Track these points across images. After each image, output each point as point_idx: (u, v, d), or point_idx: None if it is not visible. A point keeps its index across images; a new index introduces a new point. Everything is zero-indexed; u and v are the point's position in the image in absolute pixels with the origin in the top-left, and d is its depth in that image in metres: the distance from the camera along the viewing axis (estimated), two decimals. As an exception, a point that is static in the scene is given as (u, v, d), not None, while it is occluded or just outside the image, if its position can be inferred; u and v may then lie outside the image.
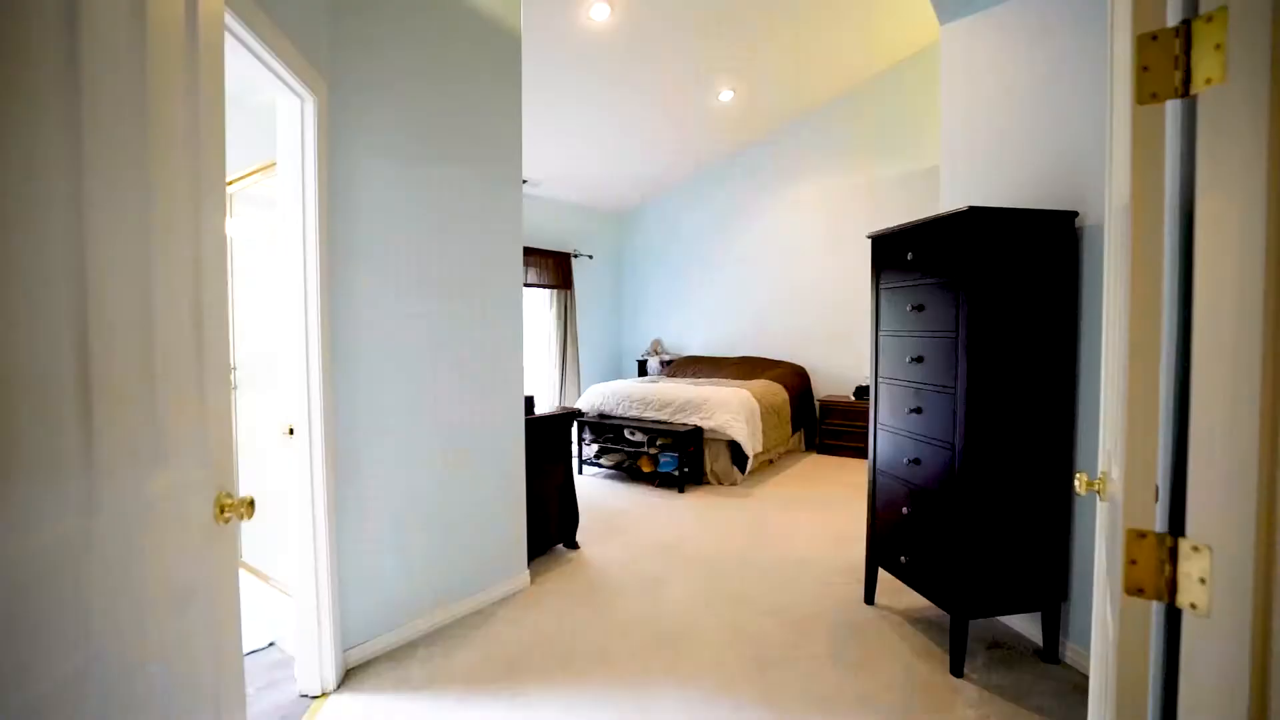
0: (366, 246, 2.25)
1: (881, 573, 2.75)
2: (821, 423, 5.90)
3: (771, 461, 5.44)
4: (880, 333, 2.59)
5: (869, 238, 2.66)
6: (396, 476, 2.38)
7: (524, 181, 6.22)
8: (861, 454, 5.65)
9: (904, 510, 2.41)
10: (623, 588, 2.94)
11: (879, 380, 2.61)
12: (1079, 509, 2.19)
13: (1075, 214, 2.12)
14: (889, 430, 2.53)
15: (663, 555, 3.35)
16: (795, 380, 5.96)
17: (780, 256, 6.59)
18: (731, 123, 6.06)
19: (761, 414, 4.99)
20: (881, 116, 5.84)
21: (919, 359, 2.31)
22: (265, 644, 2.40)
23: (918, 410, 2.32)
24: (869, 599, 2.73)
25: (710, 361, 6.71)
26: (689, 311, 7.39)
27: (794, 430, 5.70)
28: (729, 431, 4.58)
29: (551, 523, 3.31)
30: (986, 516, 2.11)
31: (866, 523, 2.71)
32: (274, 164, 2.10)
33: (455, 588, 2.63)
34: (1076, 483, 1.28)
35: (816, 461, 5.61)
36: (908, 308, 2.37)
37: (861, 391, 5.75)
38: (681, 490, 4.59)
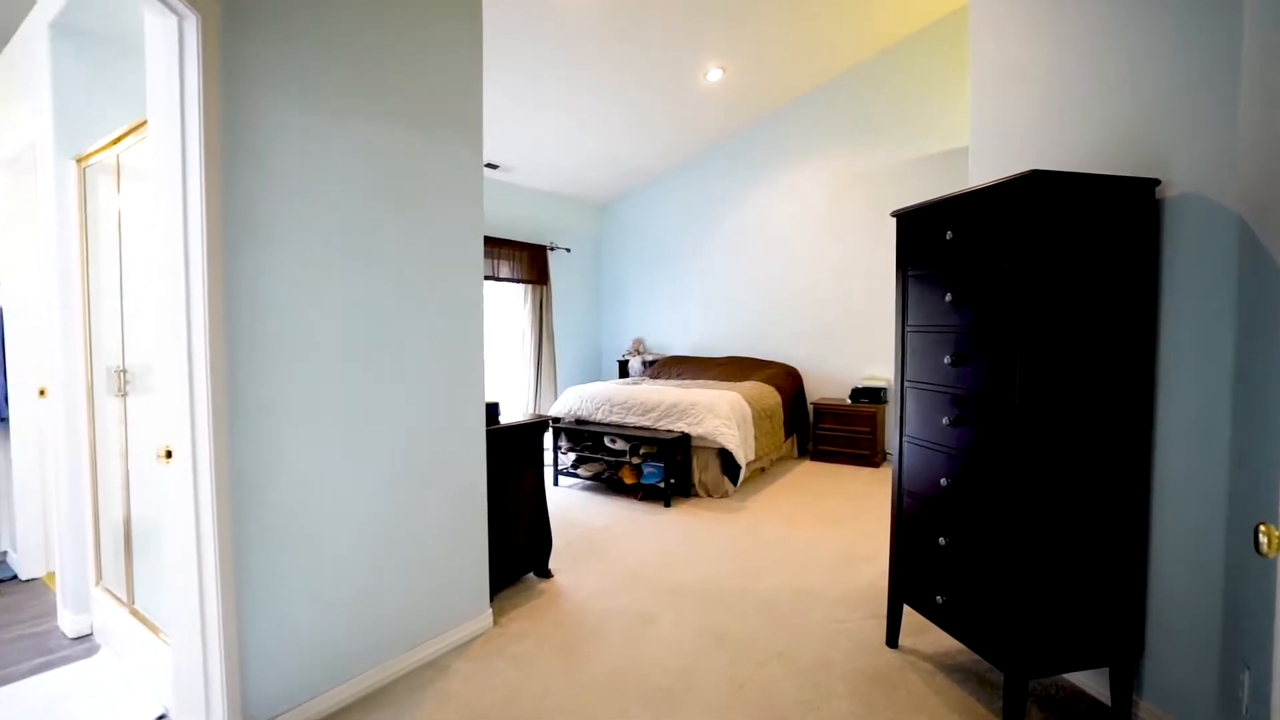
0: (281, 221, 1.78)
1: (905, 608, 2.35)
2: (816, 427, 5.52)
3: (763, 470, 5.04)
4: (908, 328, 2.19)
5: (894, 215, 2.26)
6: (323, 503, 1.92)
7: (494, 166, 5.76)
8: (859, 461, 5.28)
9: (940, 540, 2.01)
10: (602, 628, 2.51)
11: (906, 384, 2.21)
12: (1157, 547, 1.80)
13: (1157, 182, 1.74)
14: (920, 444, 2.12)
15: (649, 584, 2.92)
16: (788, 382, 5.57)
17: (771, 250, 6.20)
18: (720, 105, 5.66)
19: (754, 419, 4.59)
20: (883, 98, 5.47)
21: (960, 360, 1.92)
22: (155, 716, 1.92)
23: (959, 421, 1.92)
24: (892, 641, 2.33)
25: (696, 362, 6.30)
26: (673, 308, 6.97)
27: (786, 435, 5.31)
28: (719, 439, 4.17)
29: (519, 548, 2.86)
30: (1050, 553, 1.71)
31: (890, 551, 2.30)
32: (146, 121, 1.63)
33: (399, 637, 2.17)
34: (1262, 540, 0.88)
35: (811, 469, 5.23)
36: (946, 298, 1.97)
37: (859, 394, 5.39)
38: (667, 504, 4.17)
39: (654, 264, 7.09)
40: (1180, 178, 1.72)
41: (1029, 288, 1.66)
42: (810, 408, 5.72)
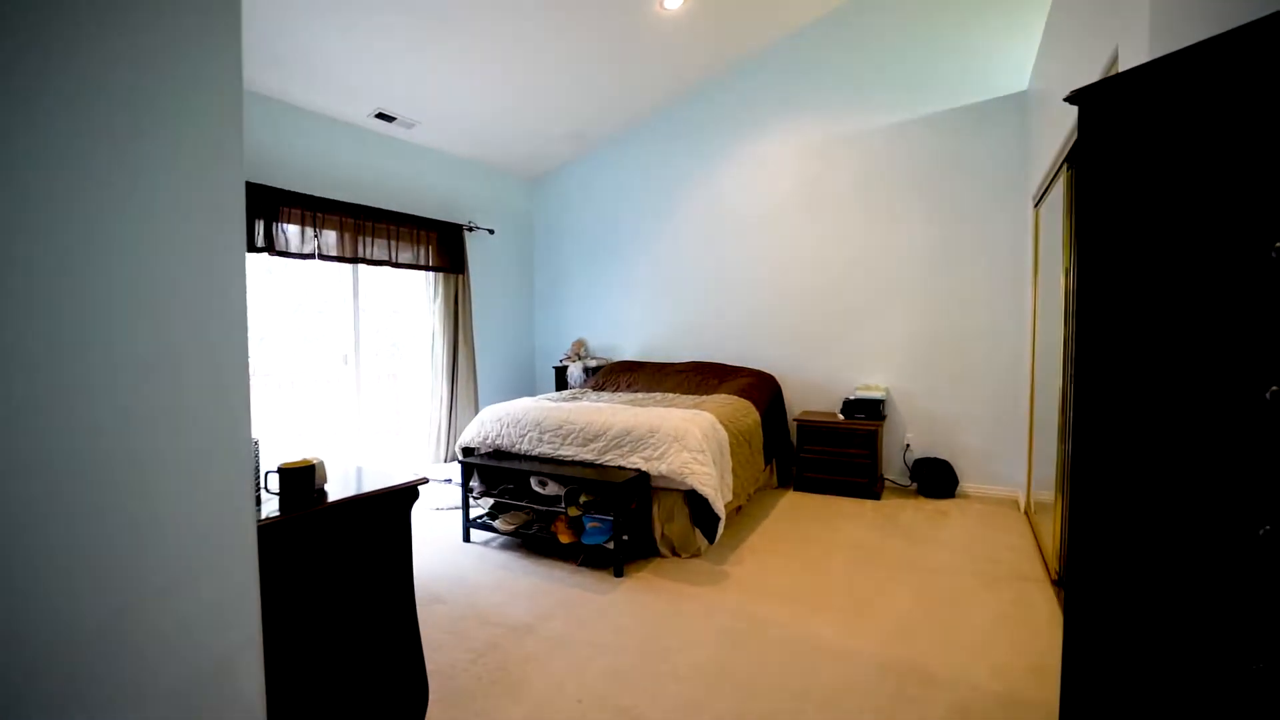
0: None
1: None
2: (801, 449, 4.45)
3: (740, 508, 3.93)
4: (1120, 331, 1.08)
5: (1073, 100, 1.14)
6: None
7: (389, 119, 4.43)
8: (855, 491, 4.24)
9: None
10: None
11: (1123, 443, 1.09)
12: None
13: None
14: (1164, 566, 1.02)
15: (594, 758, 1.73)
16: (764, 393, 4.48)
17: (740, 233, 5.10)
18: (680, 46, 4.50)
19: (731, 447, 3.46)
20: (880, 44, 4.46)
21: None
22: None
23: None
24: None
25: (650, 369, 5.13)
26: (622, 303, 5.78)
27: (766, 461, 4.22)
28: (690, 480, 3.02)
29: (366, 708, 1.62)
30: None
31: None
32: None
33: None
34: None
35: (798, 505, 4.15)
36: (1275, 253, 0.86)
37: (852, 407, 4.35)
38: (619, 573, 2.98)
39: (599, 250, 5.88)
40: None
41: None
42: (793, 425, 4.65)
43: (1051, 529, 2.90)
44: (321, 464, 1.54)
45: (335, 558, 1.52)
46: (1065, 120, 2.64)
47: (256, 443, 1.48)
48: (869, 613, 2.58)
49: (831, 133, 4.68)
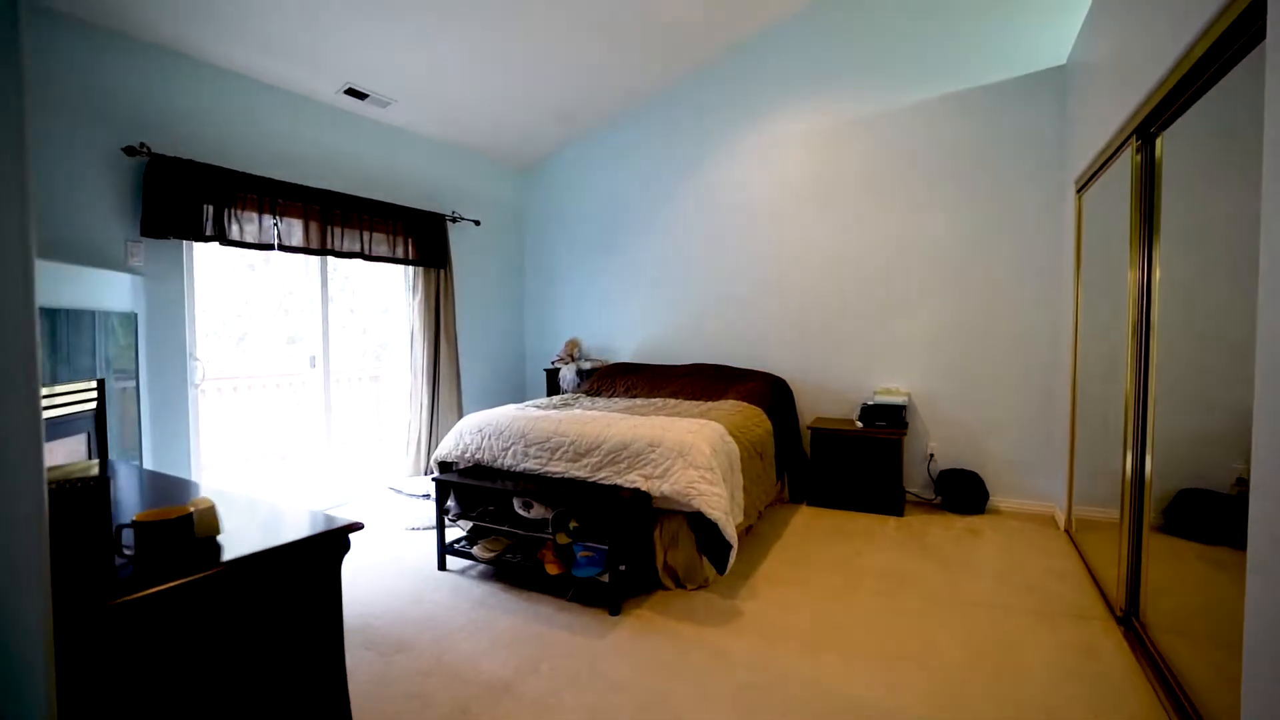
0: None
1: None
2: (814, 460, 4.05)
3: (750, 528, 3.53)
4: None
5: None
6: None
7: (361, 96, 4.01)
8: (875, 507, 3.86)
9: None
10: None
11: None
12: None
13: None
14: None
15: None
16: (776, 399, 4.08)
17: (747, 224, 4.69)
18: (681, 24, 4.10)
19: (742, 461, 3.06)
20: (910, 11, 4.06)
21: None
22: None
23: None
24: None
25: (650, 371, 4.73)
26: (619, 301, 5.37)
27: (779, 475, 3.82)
28: (696, 502, 2.61)
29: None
30: None
31: None
32: None
33: None
34: None
35: (813, 523, 3.75)
36: None
37: (871, 414, 3.95)
38: (615, 610, 2.57)
39: (594, 243, 5.47)
40: None
41: None
42: (805, 433, 4.25)
43: (1115, 556, 2.50)
44: (209, 509, 1.14)
45: (229, 635, 1.12)
46: (1137, 87, 2.25)
47: (104, 481, 1.07)
48: (908, 661, 2.18)
49: (846, 115, 4.28)
